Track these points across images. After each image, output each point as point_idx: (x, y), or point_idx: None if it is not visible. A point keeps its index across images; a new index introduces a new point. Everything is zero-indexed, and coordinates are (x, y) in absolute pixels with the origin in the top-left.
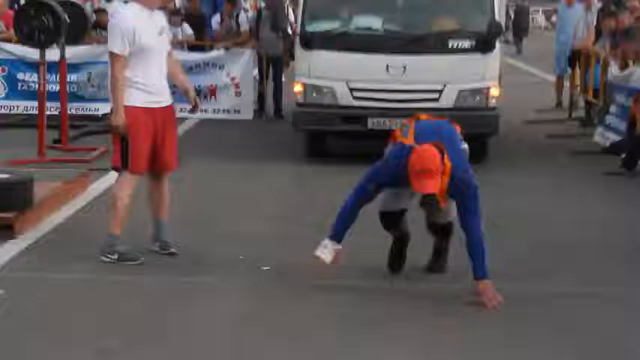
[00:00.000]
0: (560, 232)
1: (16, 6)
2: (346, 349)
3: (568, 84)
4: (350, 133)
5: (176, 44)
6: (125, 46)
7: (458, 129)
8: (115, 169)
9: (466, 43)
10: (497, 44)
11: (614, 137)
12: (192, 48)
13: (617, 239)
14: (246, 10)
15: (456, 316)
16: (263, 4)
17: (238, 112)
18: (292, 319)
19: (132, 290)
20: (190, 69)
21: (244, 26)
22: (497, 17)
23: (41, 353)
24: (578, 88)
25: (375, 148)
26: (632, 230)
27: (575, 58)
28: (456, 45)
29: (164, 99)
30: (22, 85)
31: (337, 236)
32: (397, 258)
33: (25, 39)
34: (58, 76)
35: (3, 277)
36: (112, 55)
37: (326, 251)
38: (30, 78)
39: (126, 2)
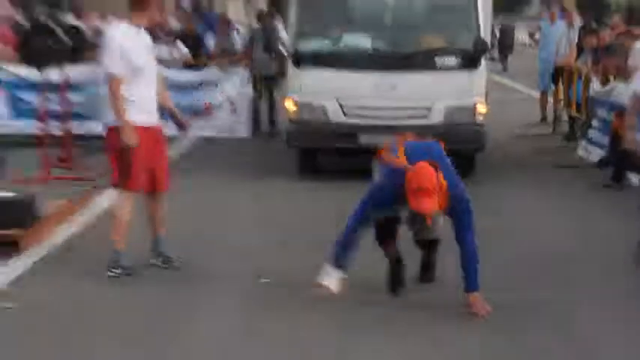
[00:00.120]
0: (545, 242)
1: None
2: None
3: (552, 99)
4: (341, 150)
5: (173, 62)
6: (122, 66)
7: (443, 146)
8: (115, 186)
9: (453, 61)
10: (483, 61)
11: (598, 151)
12: (188, 67)
13: (598, 249)
14: (239, 32)
15: (450, 324)
16: (256, 26)
17: (234, 129)
18: (292, 332)
19: (135, 303)
20: (186, 87)
21: (238, 46)
22: (482, 35)
23: None
24: (562, 103)
25: (366, 165)
26: (612, 241)
27: (559, 74)
28: (443, 63)
29: (155, 118)
30: (25, 105)
31: (340, 263)
32: (397, 283)
33: (27, 60)
34: (60, 96)
35: (11, 292)
36: (110, 76)
37: (332, 280)
38: (33, 98)
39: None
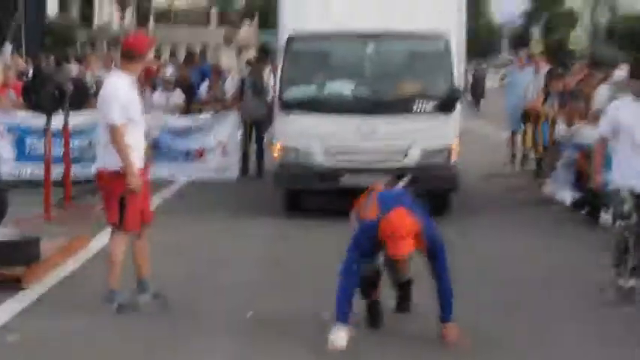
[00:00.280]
0: (516, 272)
1: (25, 78)
2: None
3: (520, 139)
4: (324, 191)
5: (168, 108)
6: (122, 115)
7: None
8: (113, 227)
9: (429, 106)
10: (458, 106)
11: (562, 189)
12: (182, 113)
13: (564, 279)
14: (232, 79)
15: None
16: (246, 72)
17: (224, 171)
18: None
19: (129, 338)
20: (180, 133)
21: (230, 92)
22: (456, 81)
23: None
24: (529, 143)
25: (348, 205)
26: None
27: (527, 117)
28: (419, 108)
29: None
30: (29, 150)
31: (345, 318)
32: (376, 320)
33: (33, 107)
34: (62, 141)
35: (15, 326)
36: (113, 126)
37: (341, 336)
38: (37, 143)
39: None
